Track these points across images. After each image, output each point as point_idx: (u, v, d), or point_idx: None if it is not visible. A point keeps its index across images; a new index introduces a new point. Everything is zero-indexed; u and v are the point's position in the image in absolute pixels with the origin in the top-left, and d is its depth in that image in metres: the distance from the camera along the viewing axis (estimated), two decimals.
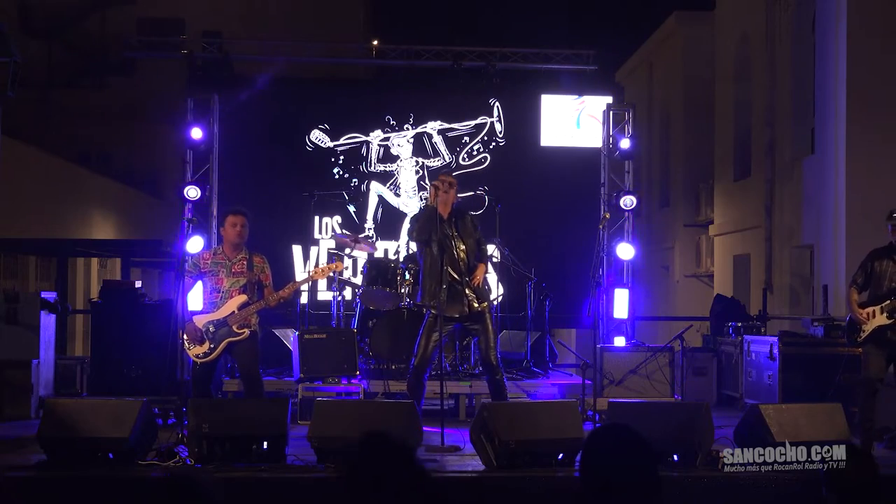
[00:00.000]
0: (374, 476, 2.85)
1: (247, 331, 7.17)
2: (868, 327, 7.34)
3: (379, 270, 9.15)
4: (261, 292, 7.28)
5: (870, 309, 7.37)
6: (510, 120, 11.60)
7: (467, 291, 7.29)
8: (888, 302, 7.29)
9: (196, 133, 10.34)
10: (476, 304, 7.30)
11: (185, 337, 7.16)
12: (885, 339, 7.30)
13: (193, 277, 7.30)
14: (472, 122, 11.57)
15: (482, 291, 7.40)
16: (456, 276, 7.27)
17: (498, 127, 11.58)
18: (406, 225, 11.11)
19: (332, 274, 7.92)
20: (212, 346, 7.13)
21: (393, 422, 6.55)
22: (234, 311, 7.14)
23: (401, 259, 9.62)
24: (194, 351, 7.15)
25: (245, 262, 7.25)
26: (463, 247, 7.33)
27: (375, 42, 14.38)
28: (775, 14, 14.81)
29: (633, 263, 10.69)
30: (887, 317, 7.27)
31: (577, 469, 6.37)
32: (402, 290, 9.03)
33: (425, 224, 7.27)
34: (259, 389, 7.32)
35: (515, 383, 9.05)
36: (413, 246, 8.40)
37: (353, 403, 7.70)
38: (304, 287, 9.17)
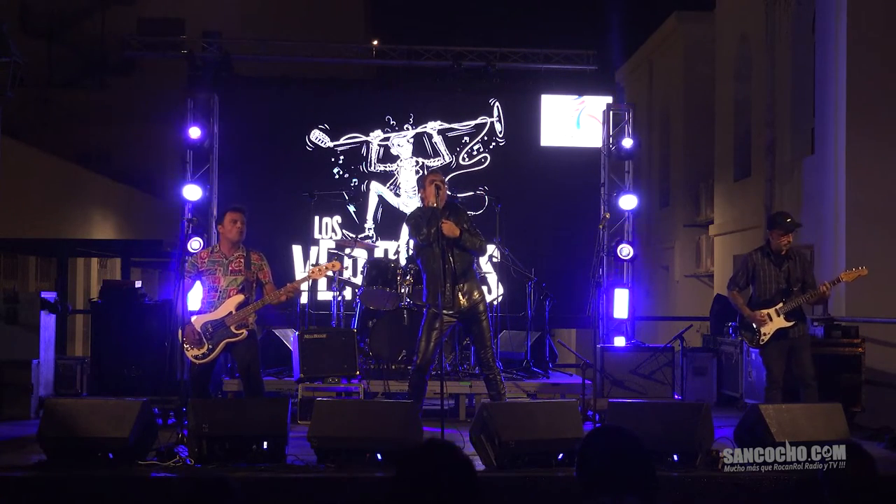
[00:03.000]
0: (428, 480, 2.86)
1: (245, 331, 7.16)
2: (768, 330, 7.79)
3: (379, 270, 9.15)
4: (259, 291, 7.27)
5: (765, 312, 7.79)
6: (510, 120, 11.60)
7: (464, 288, 7.31)
8: (781, 305, 7.77)
9: (196, 133, 10.34)
10: (464, 302, 7.32)
11: (183, 338, 7.15)
12: (786, 339, 7.78)
13: (192, 277, 7.28)
14: (472, 122, 11.57)
15: (478, 289, 7.42)
16: (454, 272, 7.28)
17: (498, 127, 11.58)
18: (406, 226, 11.13)
19: (330, 273, 7.90)
20: (210, 346, 7.12)
21: (393, 422, 6.56)
22: (231, 312, 7.13)
23: (401, 259, 9.62)
24: (193, 352, 7.13)
25: (242, 260, 7.23)
26: (459, 244, 7.34)
27: (375, 42, 14.40)
28: (775, 14, 14.81)
29: (633, 263, 10.69)
30: (786, 319, 7.76)
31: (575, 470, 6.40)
32: (402, 290, 9.03)
33: (432, 224, 7.28)
34: (259, 389, 7.32)
35: (515, 383, 9.05)
36: (411, 245, 8.40)
37: (353, 403, 7.69)
38: (304, 287, 9.17)
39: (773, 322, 7.78)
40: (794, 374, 7.84)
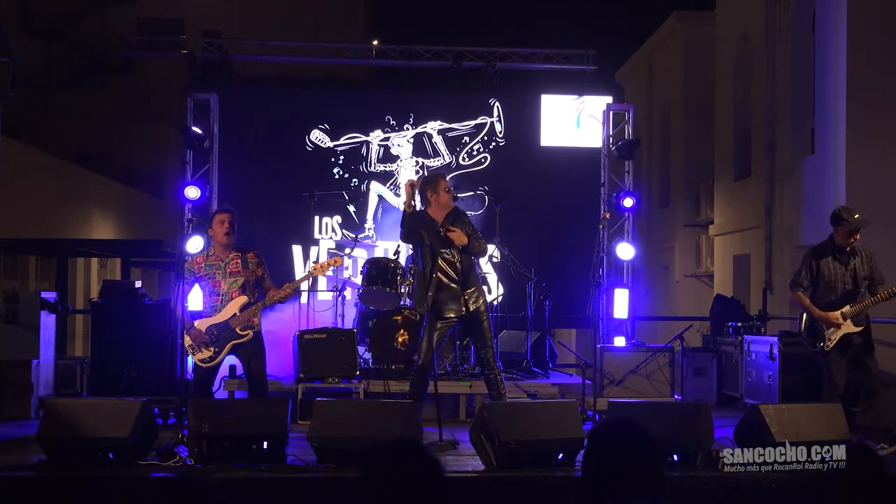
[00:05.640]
0: (394, 479, 2.85)
1: (250, 332, 7.13)
2: (835, 336, 7.30)
3: (379, 270, 9.15)
4: (261, 291, 7.25)
5: (837, 313, 7.31)
6: (510, 120, 11.61)
7: (464, 293, 7.30)
8: (848, 308, 7.28)
9: (196, 133, 10.34)
10: (472, 306, 7.32)
11: (189, 342, 7.13)
12: (851, 346, 7.31)
13: (189, 283, 7.24)
14: (472, 122, 11.57)
15: (479, 291, 7.41)
16: (451, 277, 7.28)
17: (498, 127, 11.58)
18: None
19: (331, 272, 7.88)
20: (216, 350, 7.09)
21: (393, 422, 6.55)
22: (235, 314, 7.10)
23: (402, 259, 9.62)
24: (199, 356, 7.09)
25: (239, 261, 7.19)
26: (456, 251, 7.32)
27: (375, 42, 14.39)
28: (775, 14, 14.82)
29: (633, 263, 10.70)
30: (854, 324, 7.28)
31: (577, 469, 6.40)
32: (402, 290, 9.03)
33: (410, 227, 7.28)
34: (264, 390, 7.29)
35: (515, 383, 9.04)
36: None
37: (353, 403, 7.70)
38: (304, 287, 9.17)
39: (842, 327, 7.27)
40: (860, 383, 7.38)
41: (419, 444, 3.00)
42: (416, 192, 7.43)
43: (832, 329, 7.31)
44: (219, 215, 7.27)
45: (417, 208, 7.44)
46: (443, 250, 7.27)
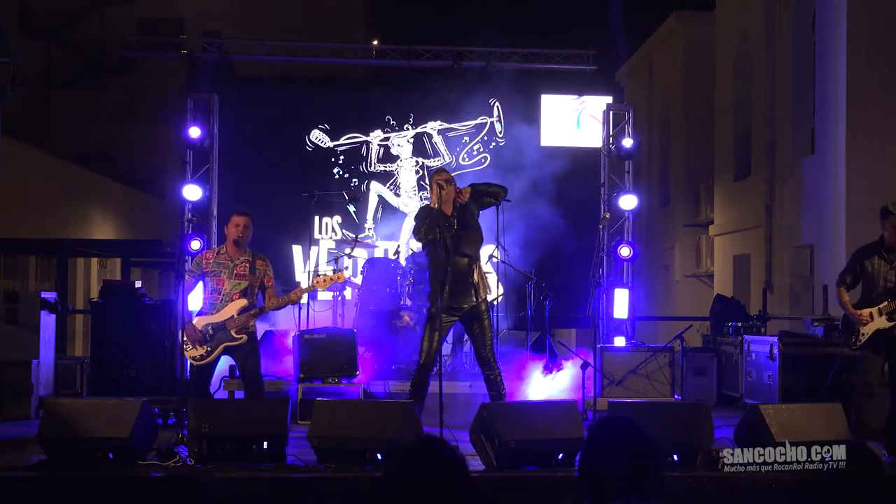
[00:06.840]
0: (421, 479, 2.84)
1: (245, 336, 7.12)
2: (867, 330, 7.21)
3: (379, 270, 9.16)
4: (261, 296, 7.25)
5: (867, 311, 7.24)
6: (510, 120, 11.62)
7: (470, 287, 7.29)
8: (885, 304, 7.18)
9: (195, 132, 10.34)
10: (475, 300, 7.31)
11: (184, 338, 7.13)
12: (885, 342, 7.19)
13: (195, 278, 7.25)
14: (472, 122, 11.58)
15: (483, 287, 7.40)
16: (460, 272, 7.25)
17: (498, 127, 11.58)
18: (407, 224, 11.15)
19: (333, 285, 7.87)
20: (209, 349, 7.09)
21: (393, 422, 6.55)
22: (233, 316, 7.09)
23: (402, 259, 9.63)
24: (192, 353, 7.10)
25: (248, 265, 7.20)
26: (468, 242, 7.31)
27: (375, 42, 14.40)
28: (775, 14, 14.82)
29: (633, 263, 10.69)
30: (887, 319, 7.17)
31: (577, 469, 6.39)
32: (402, 290, 9.03)
33: (431, 224, 7.25)
34: (260, 391, 7.30)
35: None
36: (414, 245, 8.40)
37: (353, 403, 7.70)
38: (304, 297, 9.16)
39: (874, 322, 7.16)
40: (890, 379, 7.29)
41: (445, 443, 2.97)
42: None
43: (864, 325, 7.23)
44: (235, 217, 7.22)
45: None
46: (455, 243, 7.24)
